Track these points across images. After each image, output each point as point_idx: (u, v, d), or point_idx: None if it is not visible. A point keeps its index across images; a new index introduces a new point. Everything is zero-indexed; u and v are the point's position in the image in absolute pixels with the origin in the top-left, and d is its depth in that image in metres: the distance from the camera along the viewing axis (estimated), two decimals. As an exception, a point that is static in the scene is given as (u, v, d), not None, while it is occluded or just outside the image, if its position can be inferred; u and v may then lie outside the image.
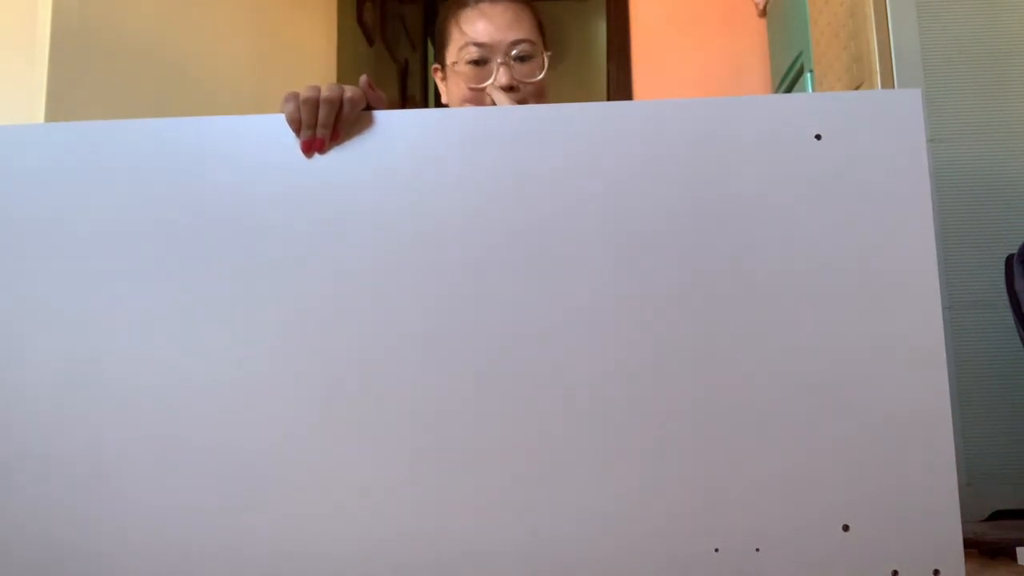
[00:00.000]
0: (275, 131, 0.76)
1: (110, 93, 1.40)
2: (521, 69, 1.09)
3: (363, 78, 0.81)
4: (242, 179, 0.76)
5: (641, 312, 0.72)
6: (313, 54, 2.28)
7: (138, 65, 1.48)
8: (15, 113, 1.24)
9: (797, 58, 2.28)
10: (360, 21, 2.72)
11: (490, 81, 1.07)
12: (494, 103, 1.07)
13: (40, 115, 1.22)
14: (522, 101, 1.08)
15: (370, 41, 2.87)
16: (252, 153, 0.76)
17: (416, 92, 3.66)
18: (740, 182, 0.73)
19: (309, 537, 0.70)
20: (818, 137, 0.73)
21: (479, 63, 1.08)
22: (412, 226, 0.74)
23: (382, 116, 0.77)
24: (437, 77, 1.19)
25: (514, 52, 1.08)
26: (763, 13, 3.19)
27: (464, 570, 0.69)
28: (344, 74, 2.45)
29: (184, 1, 1.65)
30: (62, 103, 1.26)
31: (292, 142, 0.76)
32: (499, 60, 1.07)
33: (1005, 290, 1.18)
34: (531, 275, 0.73)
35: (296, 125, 0.76)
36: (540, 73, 1.10)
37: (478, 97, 1.09)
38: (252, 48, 1.92)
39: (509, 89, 1.07)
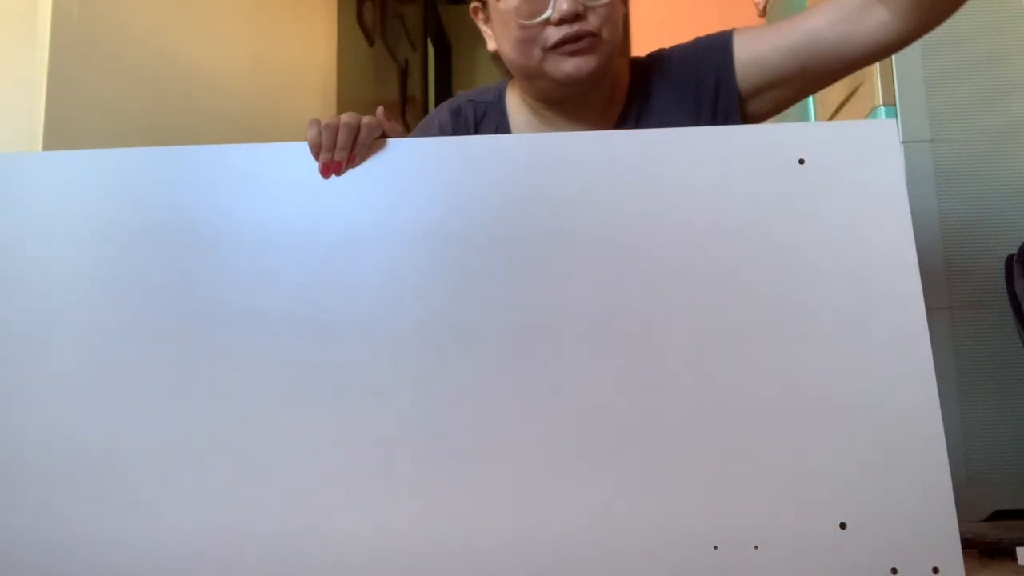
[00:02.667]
0: (290, 157, 0.79)
1: (110, 93, 1.40)
2: None
3: (380, 109, 0.82)
4: (259, 202, 0.78)
5: (640, 320, 0.73)
6: (313, 54, 2.28)
7: (138, 65, 1.49)
8: (15, 113, 1.24)
9: (797, 58, 2.28)
10: (360, 21, 2.73)
11: (547, 13, 0.85)
12: (552, 48, 0.86)
13: (40, 115, 1.23)
14: (594, 34, 0.87)
15: (370, 41, 2.88)
16: (268, 177, 0.79)
17: (416, 92, 3.66)
18: (730, 202, 0.75)
19: (310, 537, 0.70)
20: (801, 162, 0.75)
21: None
22: (422, 243, 0.76)
23: (396, 143, 0.80)
24: (478, 20, 0.96)
25: None
26: (763, 13, 3.19)
27: (464, 570, 0.69)
28: (344, 74, 2.46)
29: (184, 1, 1.66)
30: (62, 103, 1.26)
31: (305, 169, 0.79)
32: None
33: (1005, 290, 1.18)
34: (534, 285, 0.74)
35: (317, 148, 0.78)
36: None
37: (534, 37, 0.87)
38: (252, 48, 1.92)
39: (574, 19, 0.85)
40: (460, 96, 1.06)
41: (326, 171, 0.78)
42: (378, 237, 0.76)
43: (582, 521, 0.69)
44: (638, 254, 0.74)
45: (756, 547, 0.68)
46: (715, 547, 0.68)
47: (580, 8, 0.85)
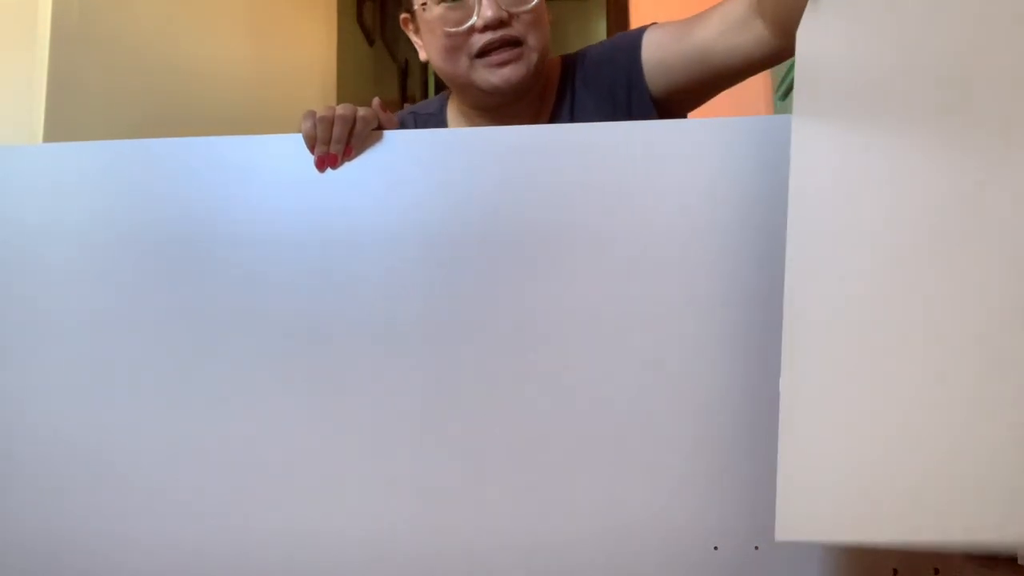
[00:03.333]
0: (286, 150, 0.78)
1: (110, 93, 1.40)
2: None
3: (376, 100, 0.81)
4: (254, 195, 0.77)
5: (638, 314, 0.72)
6: (313, 54, 2.28)
7: (138, 65, 1.48)
8: (15, 112, 1.24)
9: (797, 58, 2.27)
10: (360, 21, 2.73)
11: (472, 20, 0.86)
12: (479, 56, 0.87)
13: (40, 114, 1.23)
14: (520, 40, 0.88)
15: (370, 41, 2.87)
16: (264, 170, 0.78)
17: (416, 92, 3.66)
18: (733, 196, 0.74)
19: (309, 537, 0.70)
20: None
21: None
22: (419, 238, 0.76)
23: (392, 136, 0.79)
24: (408, 30, 0.97)
25: None
26: (763, 13, 3.18)
27: (464, 569, 0.69)
28: (344, 74, 2.45)
29: (184, 1, 1.66)
30: (62, 103, 1.26)
31: (300, 161, 0.78)
32: None
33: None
34: (531, 282, 0.74)
35: (312, 141, 0.77)
36: None
37: (460, 45, 0.88)
38: (252, 48, 1.92)
39: (499, 25, 0.86)
40: (404, 109, 1.08)
41: (321, 165, 0.77)
42: (374, 232, 0.76)
43: (582, 521, 0.69)
44: (637, 249, 0.73)
45: (756, 547, 0.68)
46: (715, 547, 0.68)
47: (504, 15, 0.86)
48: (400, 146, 0.78)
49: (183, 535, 0.71)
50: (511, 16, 0.87)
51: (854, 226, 0.48)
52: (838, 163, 0.54)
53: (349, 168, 0.78)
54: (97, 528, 0.72)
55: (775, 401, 0.70)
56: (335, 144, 0.77)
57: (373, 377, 0.73)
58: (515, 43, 0.88)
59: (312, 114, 0.77)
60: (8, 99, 1.24)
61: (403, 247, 0.75)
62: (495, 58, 0.88)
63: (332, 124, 0.76)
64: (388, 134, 0.79)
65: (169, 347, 0.74)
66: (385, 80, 3.13)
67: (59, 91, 1.26)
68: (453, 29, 0.87)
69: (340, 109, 0.77)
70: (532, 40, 0.89)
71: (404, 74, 3.41)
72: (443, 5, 0.87)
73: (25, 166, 0.80)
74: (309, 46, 2.26)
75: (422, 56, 0.96)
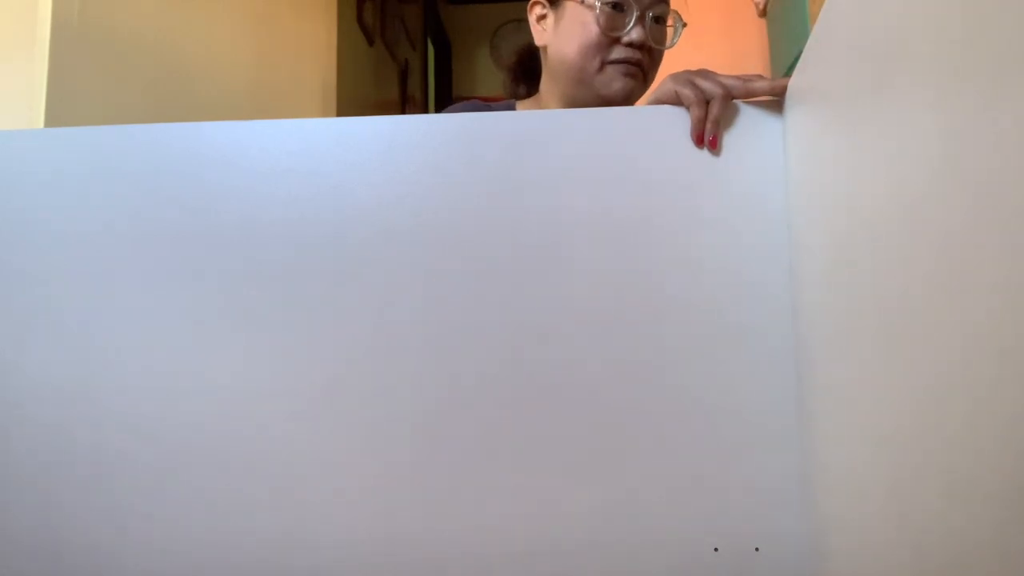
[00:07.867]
0: (277, 136, 0.77)
1: (110, 93, 1.40)
2: (656, 31, 1.00)
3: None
4: (245, 183, 0.76)
5: (638, 312, 0.72)
6: (313, 54, 2.28)
7: (138, 65, 1.48)
8: (15, 112, 1.24)
9: (797, 58, 2.27)
10: (360, 21, 2.73)
11: (623, 32, 0.97)
12: (612, 62, 0.98)
13: (40, 114, 1.23)
14: (645, 68, 1.00)
15: (370, 41, 2.87)
16: (255, 158, 0.77)
17: (416, 92, 3.66)
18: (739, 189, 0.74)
19: (309, 538, 0.70)
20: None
21: (617, 7, 0.97)
22: (413, 228, 0.74)
23: (386, 121, 0.77)
24: (534, 13, 1.06)
25: (652, 12, 0.98)
26: (763, 13, 3.18)
27: (463, 569, 0.69)
28: (344, 74, 2.45)
29: (184, 1, 1.65)
30: (62, 103, 1.26)
31: (295, 147, 0.76)
32: (636, 13, 0.97)
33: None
34: (530, 275, 0.73)
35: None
36: (673, 40, 1.02)
37: (602, 47, 0.98)
38: (252, 48, 1.92)
39: (640, 47, 0.98)
40: (475, 102, 1.13)
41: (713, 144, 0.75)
42: (371, 224, 0.75)
43: (582, 522, 0.69)
44: (638, 244, 0.73)
45: (757, 549, 0.68)
46: (716, 549, 0.68)
47: (647, 43, 0.98)
48: (393, 132, 0.76)
49: (181, 535, 0.71)
50: (648, 49, 0.99)
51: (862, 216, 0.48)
52: (840, 149, 0.53)
53: (340, 157, 0.76)
54: (95, 526, 0.71)
55: (777, 401, 0.70)
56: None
57: (373, 375, 0.72)
58: (640, 69, 1.00)
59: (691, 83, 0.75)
60: (8, 99, 1.24)
61: (395, 236, 0.74)
62: (623, 68, 0.99)
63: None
64: (383, 120, 0.77)
65: (167, 342, 0.74)
66: (385, 80, 3.13)
67: (59, 91, 1.26)
68: (611, 32, 0.98)
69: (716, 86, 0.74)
70: (649, 78, 1.02)
71: (404, 74, 3.41)
72: (607, 7, 0.97)
73: (21, 151, 0.78)
74: (309, 46, 2.26)
75: (540, 41, 1.05)
